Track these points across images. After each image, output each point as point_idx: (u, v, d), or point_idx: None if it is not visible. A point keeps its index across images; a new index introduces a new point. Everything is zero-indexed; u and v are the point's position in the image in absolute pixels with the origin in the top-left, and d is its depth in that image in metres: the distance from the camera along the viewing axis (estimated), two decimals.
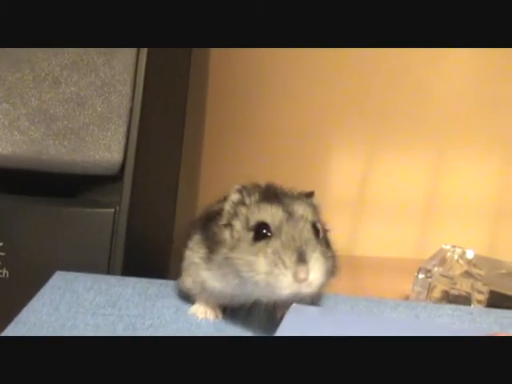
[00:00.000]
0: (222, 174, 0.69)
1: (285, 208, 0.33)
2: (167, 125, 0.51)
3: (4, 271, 0.44)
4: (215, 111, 0.67)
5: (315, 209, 0.35)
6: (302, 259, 0.31)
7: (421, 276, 0.55)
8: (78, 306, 0.40)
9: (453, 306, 0.41)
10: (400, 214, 0.73)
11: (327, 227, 0.37)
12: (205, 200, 0.58)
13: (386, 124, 0.71)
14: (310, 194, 0.37)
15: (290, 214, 0.33)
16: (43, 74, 0.46)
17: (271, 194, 0.35)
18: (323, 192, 0.73)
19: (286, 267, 0.30)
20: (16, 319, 0.37)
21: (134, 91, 0.46)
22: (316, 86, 0.72)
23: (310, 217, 0.33)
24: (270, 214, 0.33)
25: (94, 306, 0.40)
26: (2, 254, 0.44)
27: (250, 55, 0.69)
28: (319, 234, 0.33)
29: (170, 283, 0.42)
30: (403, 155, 0.72)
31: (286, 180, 0.71)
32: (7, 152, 0.46)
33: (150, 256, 0.48)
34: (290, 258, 0.31)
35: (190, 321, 0.38)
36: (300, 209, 0.33)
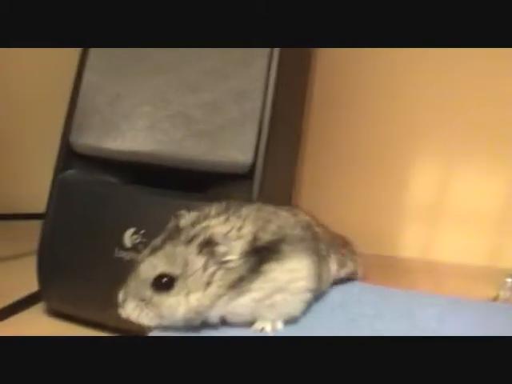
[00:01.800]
0: (319, 174, 0.74)
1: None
2: (289, 128, 0.55)
3: None
4: (317, 114, 0.71)
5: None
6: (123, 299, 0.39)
7: (510, 280, 0.58)
8: None
9: None
10: (476, 222, 0.76)
11: None
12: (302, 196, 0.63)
13: (467, 136, 0.74)
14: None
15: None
16: (184, 80, 0.51)
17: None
18: (403, 197, 0.77)
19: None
20: None
21: (264, 99, 0.50)
22: (402, 97, 0.76)
23: (154, 272, 0.39)
24: None
25: None
26: (144, 239, 0.49)
27: (345, 68, 0.74)
28: (167, 285, 0.39)
29: None
30: (482, 166, 0.75)
31: (368, 183, 0.75)
32: (149, 150, 0.50)
33: None
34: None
35: None
36: (144, 266, 0.39)
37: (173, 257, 0.39)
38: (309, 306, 0.42)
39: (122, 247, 0.49)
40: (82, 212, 0.52)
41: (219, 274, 0.39)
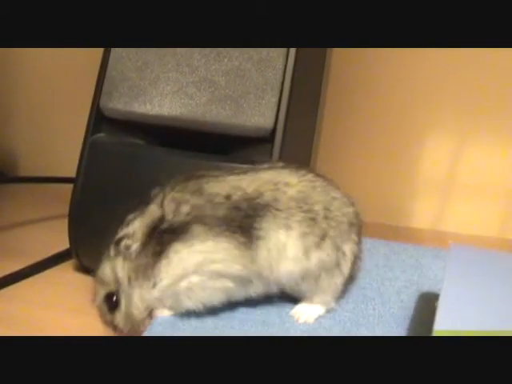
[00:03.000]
0: (335, 146, 0.76)
1: None
2: (308, 98, 0.58)
3: None
4: (334, 88, 0.73)
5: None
6: None
7: None
8: None
9: None
10: (487, 195, 0.78)
11: None
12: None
13: (480, 110, 0.77)
14: None
15: None
16: (209, 48, 0.53)
17: None
18: (417, 170, 0.80)
19: None
20: None
21: (285, 67, 0.53)
22: (417, 73, 0.78)
23: (100, 297, 0.40)
24: None
25: None
26: None
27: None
28: (117, 302, 0.39)
29: None
30: (494, 139, 0.77)
31: (382, 156, 0.78)
32: (176, 113, 0.53)
33: None
34: None
35: None
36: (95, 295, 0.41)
37: (103, 275, 0.40)
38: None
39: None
40: (112, 172, 0.55)
41: (129, 267, 0.38)
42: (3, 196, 0.83)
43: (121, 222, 0.43)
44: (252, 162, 0.52)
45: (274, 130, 0.52)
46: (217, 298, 0.39)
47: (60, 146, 0.91)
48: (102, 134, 0.57)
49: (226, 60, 0.53)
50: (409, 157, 0.80)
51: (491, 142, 0.77)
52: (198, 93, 0.53)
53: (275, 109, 0.52)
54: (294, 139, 0.55)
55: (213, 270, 0.38)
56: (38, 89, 0.93)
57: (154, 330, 0.38)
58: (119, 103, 0.55)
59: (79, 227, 0.56)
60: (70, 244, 0.57)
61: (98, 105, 0.56)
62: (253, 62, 0.53)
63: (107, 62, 0.57)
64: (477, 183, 0.78)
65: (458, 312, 0.31)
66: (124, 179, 0.54)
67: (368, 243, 0.48)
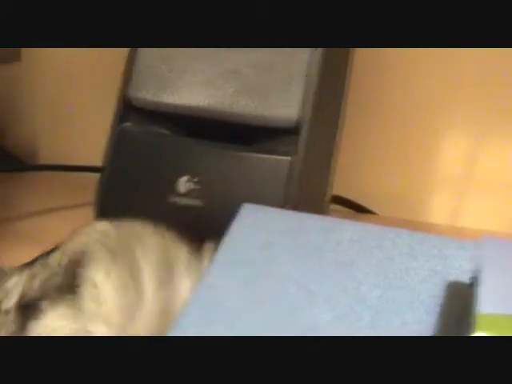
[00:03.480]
0: (353, 142, 0.77)
1: None
2: (333, 92, 0.59)
3: (199, 201, 0.53)
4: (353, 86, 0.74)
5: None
6: None
7: None
8: None
9: None
10: (502, 191, 0.79)
11: None
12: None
13: (495, 108, 0.77)
14: None
15: None
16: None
17: None
18: (434, 166, 0.81)
19: None
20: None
21: (311, 60, 0.54)
22: (431, 70, 0.79)
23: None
24: None
25: None
26: (199, 187, 0.53)
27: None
28: None
29: None
30: (509, 136, 0.78)
31: (399, 153, 0.78)
32: (204, 104, 0.54)
33: (310, 201, 0.56)
34: None
35: None
36: None
37: None
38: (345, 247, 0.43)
39: (177, 193, 0.54)
40: (139, 161, 0.56)
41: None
42: (22, 184, 0.84)
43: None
44: (277, 153, 0.53)
45: (300, 122, 0.53)
46: None
47: (80, 134, 0.92)
48: (128, 124, 0.58)
49: (252, 52, 0.54)
50: (427, 154, 0.80)
51: (506, 139, 0.78)
52: (226, 84, 0.54)
53: (301, 100, 0.53)
54: (319, 132, 0.56)
55: None
56: (57, 77, 0.94)
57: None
58: (148, 93, 0.56)
59: (106, 216, 0.57)
60: None
61: (126, 94, 0.57)
62: (279, 55, 0.54)
63: (135, 53, 0.58)
64: (493, 180, 0.79)
65: (499, 297, 0.32)
66: (151, 169, 0.55)
67: (391, 233, 0.49)
